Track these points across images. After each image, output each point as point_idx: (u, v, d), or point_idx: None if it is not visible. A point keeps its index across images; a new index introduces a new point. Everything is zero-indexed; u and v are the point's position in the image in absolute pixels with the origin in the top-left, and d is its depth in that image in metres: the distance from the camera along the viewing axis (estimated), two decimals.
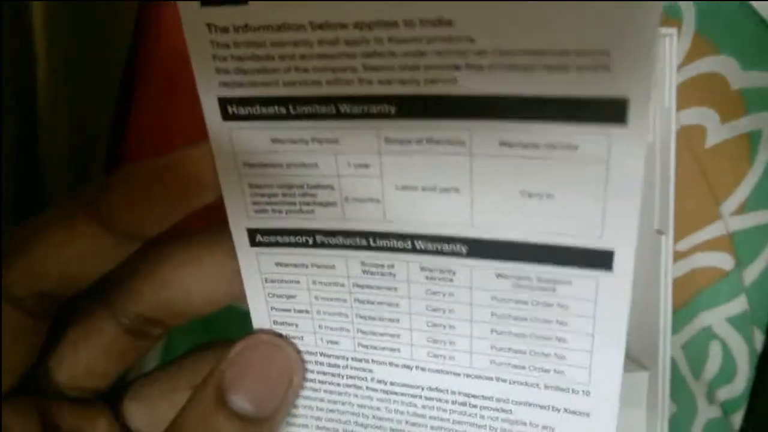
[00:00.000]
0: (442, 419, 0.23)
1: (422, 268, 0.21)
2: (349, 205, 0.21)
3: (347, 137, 0.20)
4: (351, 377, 0.24)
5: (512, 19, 0.17)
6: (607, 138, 0.18)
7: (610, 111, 0.17)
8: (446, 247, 0.21)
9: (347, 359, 0.23)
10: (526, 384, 0.22)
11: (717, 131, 0.36)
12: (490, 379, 0.22)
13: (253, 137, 0.21)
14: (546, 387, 0.22)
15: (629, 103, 0.17)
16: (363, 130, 0.20)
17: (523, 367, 0.22)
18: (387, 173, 0.20)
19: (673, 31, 0.31)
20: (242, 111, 0.20)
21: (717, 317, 0.36)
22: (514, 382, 0.22)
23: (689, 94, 0.35)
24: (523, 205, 0.19)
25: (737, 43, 0.35)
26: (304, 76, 0.19)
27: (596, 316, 0.20)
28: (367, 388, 0.24)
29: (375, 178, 0.20)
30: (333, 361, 0.23)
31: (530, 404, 0.22)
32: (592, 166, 0.18)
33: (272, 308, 0.23)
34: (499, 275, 0.21)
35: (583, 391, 0.21)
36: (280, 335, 0.24)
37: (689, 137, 0.36)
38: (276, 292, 0.23)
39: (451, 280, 0.21)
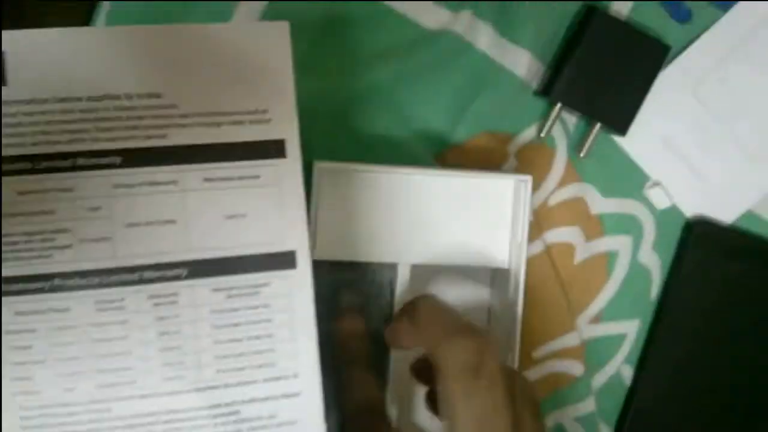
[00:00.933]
0: None
1: (149, 297, 0.26)
2: (84, 246, 0.25)
3: (82, 185, 0.25)
4: (91, 421, 0.26)
5: (200, 88, 0.25)
6: (276, 167, 0.26)
7: (275, 148, 0.26)
8: (169, 273, 0.26)
9: (85, 404, 0.25)
10: (248, 383, 0.26)
11: (583, 249, 0.41)
12: (218, 387, 0.26)
13: None
14: (264, 380, 0.27)
15: (286, 142, 0.26)
16: (95, 179, 0.25)
17: (244, 368, 0.26)
18: (116, 214, 0.25)
19: (528, 178, 0.36)
20: None
21: (568, 416, 0.40)
22: (238, 384, 0.26)
23: (561, 214, 0.41)
24: (226, 226, 0.26)
25: (599, 172, 0.41)
26: (48, 138, 0.25)
27: (292, 308, 0.26)
28: (108, 428, 0.26)
29: (106, 219, 0.25)
30: (71, 409, 0.25)
31: (254, 400, 0.27)
32: (270, 188, 0.26)
33: (11, 362, 0.25)
34: (214, 290, 0.26)
35: (292, 374, 0.27)
36: None
37: (559, 253, 0.40)
38: (14, 344, 0.25)
39: (175, 302, 0.26)
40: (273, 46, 0.26)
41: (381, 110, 0.38)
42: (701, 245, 0.41)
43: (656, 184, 0.42)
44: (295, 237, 0.26)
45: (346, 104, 0.38)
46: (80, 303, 0.25)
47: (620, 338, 0.41)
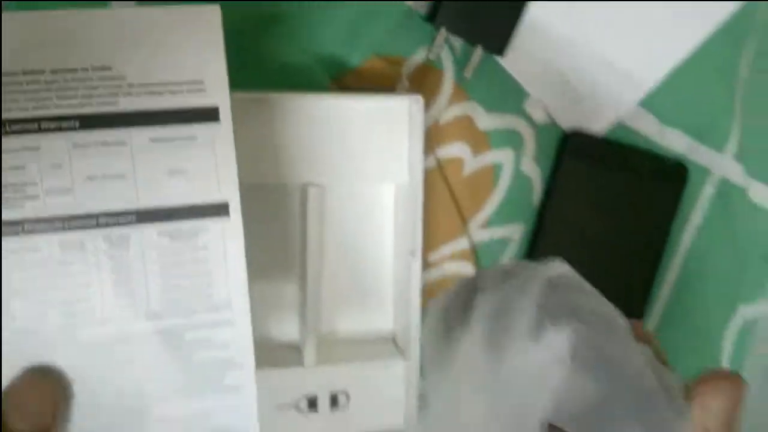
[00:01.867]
0: (135, 358, 0.31)
1: (105, 239, 0.31)
2: (49, 196, 0.30)
3: (46, 145, 0.30)
4: (59, 344, 0.30)
5: (144, 62, 0.30)
6: (211, 130, 0.31)
7: (210, 114, 0.31)
8: (121, 219, 0.31)
9: (53, 329, 0.30)
10: (189, 311, 0.32)
11: (471, 162, 0.45)
12: (163, 315, 0.32)
13: None
14: (202, 310, 0.32)
15: (219, 108, 0.31)
16: (57, 139, 0.30)
17: (186, 299, 0.32)
18: (75, 169, 0.30)
19: (419, 98, 0.40)
20: None
21: None
22: (180, 313, 0.32)
23: (450, 131, 0.45)
24: (168, 179, 0.31)
25: (484, 91, 0.46)
26: (18, 105, 0.30)
27: (226, 250, 0.32)
28: (73, 350, 0.31)
29: (67, 174, 0.30)
30: (42, 334, 0.30)
31: (195, 326, 0.32)
32: (205, 148, 0.31)
33: None
34: (160, 233, 0.31)
35: (226, 306, 0.32)
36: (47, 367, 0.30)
37: (449, 166, 0.45)
38: None
39: (127, 243, 0.31)
40: (206, 26, 0.31)
41: (280, 37, 0.42)
42: (576, 155, 0.47)
43: (535, 100, 0.46)
44: (227, 189, 0.32)
45: (246, 32, 0.41)
46: (47, 244, 0.30)
47: (506, 241, 0.47)
